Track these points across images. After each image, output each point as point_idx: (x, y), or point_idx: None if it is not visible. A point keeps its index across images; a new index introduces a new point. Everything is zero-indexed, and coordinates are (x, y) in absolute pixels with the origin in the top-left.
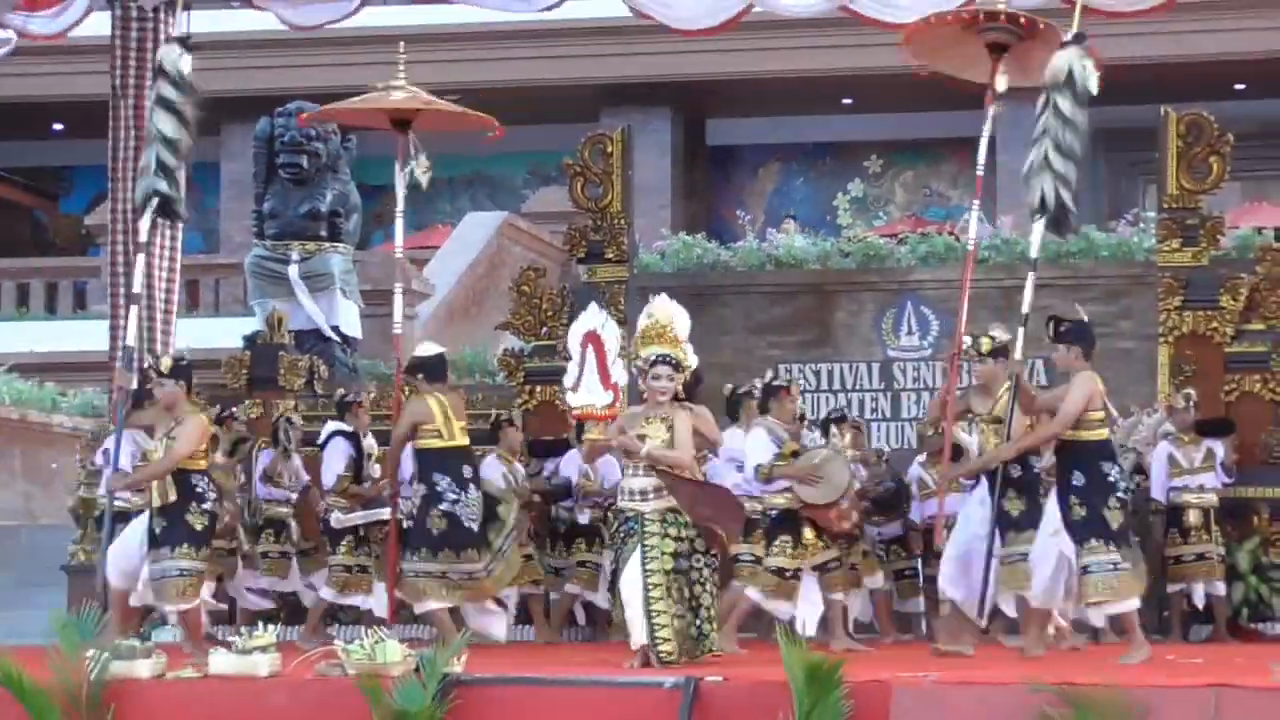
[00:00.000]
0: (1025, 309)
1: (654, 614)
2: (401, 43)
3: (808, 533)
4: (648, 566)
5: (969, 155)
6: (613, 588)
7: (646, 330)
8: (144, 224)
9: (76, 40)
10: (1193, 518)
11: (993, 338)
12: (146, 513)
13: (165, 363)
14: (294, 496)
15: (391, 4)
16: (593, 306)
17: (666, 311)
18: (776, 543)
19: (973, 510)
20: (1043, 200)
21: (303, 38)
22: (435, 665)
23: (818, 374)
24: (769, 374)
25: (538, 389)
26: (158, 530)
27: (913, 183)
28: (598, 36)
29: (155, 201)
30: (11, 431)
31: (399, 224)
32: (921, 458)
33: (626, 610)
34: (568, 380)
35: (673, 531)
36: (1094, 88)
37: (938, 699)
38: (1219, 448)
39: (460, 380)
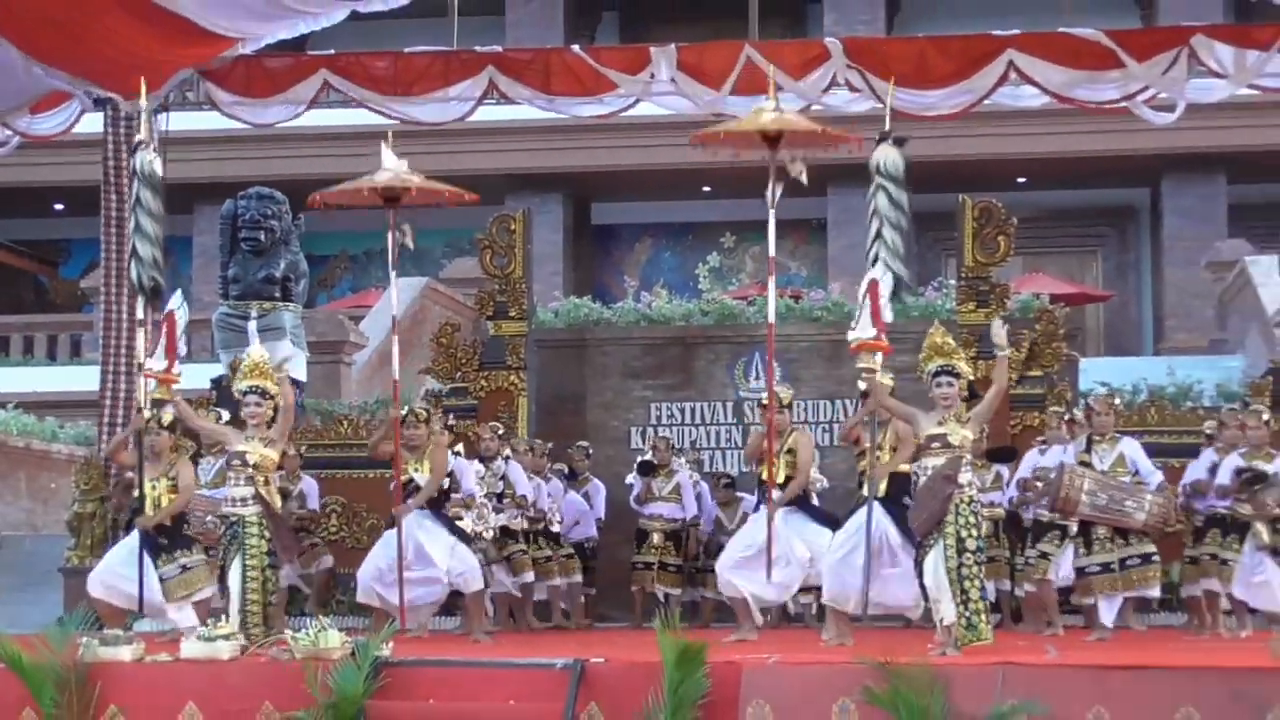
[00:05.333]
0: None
1: (970, 600)
2: (389, 134)
3: None
4: (951, 555)
5: (804, 234)
6: None
7: (928, 349)
8: (139, 306)
9: (74, 135)
10: (985, 529)
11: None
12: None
13: (167, 417)
14: None
15: (334, 108)
16: (880, 265)
17: (942, 331)
18: None
19: (850, 524)
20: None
21: (260, 134)
22: (368, 650)
23: (682, 411)
24: None
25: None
26: (164, 541)
27: (759, 255)
28: (503, 135)
29: (151, 287)
30: (18, 457)
31: (393, 282)
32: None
33: (933, 595)
34: (853, 323)
35: (961, 520)
36: (902, 173)
37: (779, 676)
38: (1005, 471)
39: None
